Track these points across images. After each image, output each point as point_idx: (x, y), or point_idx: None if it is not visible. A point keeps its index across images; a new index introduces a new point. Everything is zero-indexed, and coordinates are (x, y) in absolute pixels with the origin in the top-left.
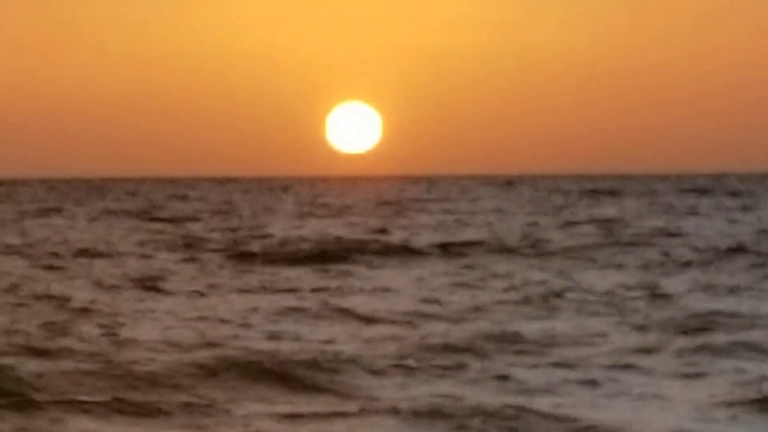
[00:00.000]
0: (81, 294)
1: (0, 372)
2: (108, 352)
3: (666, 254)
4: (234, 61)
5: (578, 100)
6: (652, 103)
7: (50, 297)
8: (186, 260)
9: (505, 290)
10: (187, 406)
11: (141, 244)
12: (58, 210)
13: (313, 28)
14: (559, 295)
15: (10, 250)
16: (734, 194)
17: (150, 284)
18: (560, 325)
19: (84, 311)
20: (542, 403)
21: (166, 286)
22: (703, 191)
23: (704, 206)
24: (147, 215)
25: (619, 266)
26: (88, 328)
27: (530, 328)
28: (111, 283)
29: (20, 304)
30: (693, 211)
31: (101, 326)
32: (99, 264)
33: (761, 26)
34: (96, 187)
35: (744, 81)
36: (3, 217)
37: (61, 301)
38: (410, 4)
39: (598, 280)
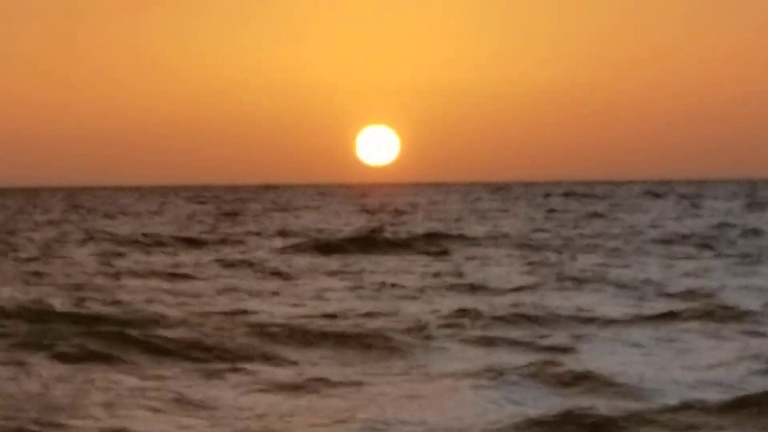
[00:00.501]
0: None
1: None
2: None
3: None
4: (285, 91)
5: (553, 121)
6: (612, 122)
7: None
8: (281, 249)
9: (526, 272)
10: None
11: (247, 234)
12: (157, 212)
13: (346, 68)
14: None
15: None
16: (683, 197)
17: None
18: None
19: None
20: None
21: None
22: (657, 194)
23: (659, 206)
24: (228, 214)
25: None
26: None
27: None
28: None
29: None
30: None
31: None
32: (223, 249)
33: (704, 60)
34: (169, 193)
35: (690, 105)
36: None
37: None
38: (422, 48)
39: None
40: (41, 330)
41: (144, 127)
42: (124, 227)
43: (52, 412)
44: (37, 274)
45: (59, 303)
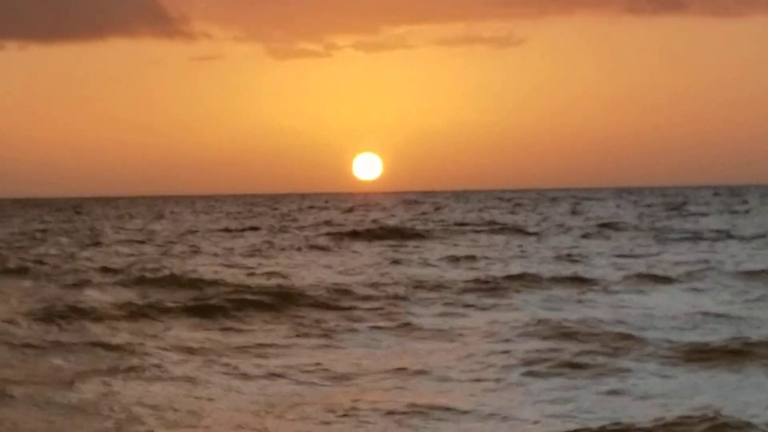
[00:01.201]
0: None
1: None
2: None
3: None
4: (306, 130)
5: (486, 149)
6: (533, 154)
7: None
8: (320, 235)
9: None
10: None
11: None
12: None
13: (347, 117)
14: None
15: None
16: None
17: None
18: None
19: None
20: None
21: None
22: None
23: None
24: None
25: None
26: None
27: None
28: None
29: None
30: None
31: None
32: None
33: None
34: (227, 199)
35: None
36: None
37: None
38: (397, 102)
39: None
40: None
41: (213, 157)
42: (223, 221)
43: None
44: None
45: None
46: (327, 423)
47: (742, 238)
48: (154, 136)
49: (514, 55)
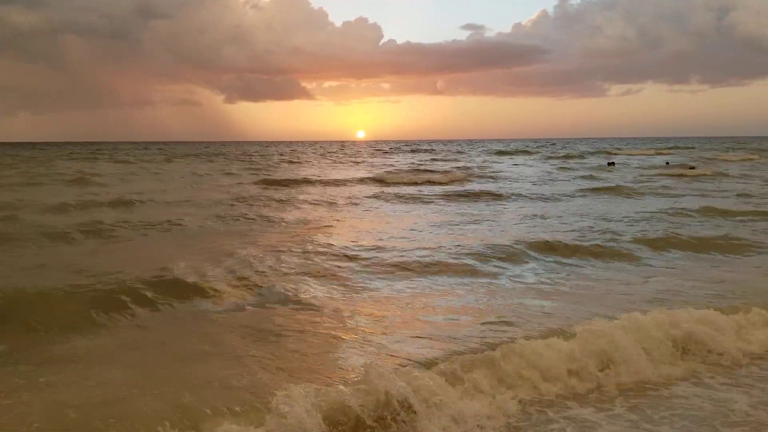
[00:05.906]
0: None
1: None
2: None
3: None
4: (345, 124)
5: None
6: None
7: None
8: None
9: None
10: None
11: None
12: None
13: (356, 121)
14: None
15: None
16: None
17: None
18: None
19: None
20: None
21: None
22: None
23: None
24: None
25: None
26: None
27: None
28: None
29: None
30: None
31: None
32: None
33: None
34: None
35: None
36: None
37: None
38: (370, 117)
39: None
40: None
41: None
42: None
43: None
44: None
45: None
46: None
47: None
48: (309, 124)
49: (397, 105)
